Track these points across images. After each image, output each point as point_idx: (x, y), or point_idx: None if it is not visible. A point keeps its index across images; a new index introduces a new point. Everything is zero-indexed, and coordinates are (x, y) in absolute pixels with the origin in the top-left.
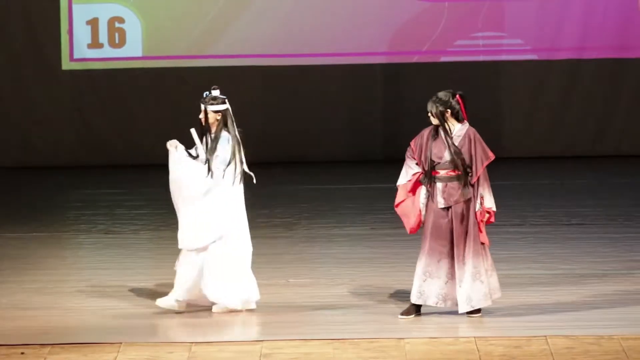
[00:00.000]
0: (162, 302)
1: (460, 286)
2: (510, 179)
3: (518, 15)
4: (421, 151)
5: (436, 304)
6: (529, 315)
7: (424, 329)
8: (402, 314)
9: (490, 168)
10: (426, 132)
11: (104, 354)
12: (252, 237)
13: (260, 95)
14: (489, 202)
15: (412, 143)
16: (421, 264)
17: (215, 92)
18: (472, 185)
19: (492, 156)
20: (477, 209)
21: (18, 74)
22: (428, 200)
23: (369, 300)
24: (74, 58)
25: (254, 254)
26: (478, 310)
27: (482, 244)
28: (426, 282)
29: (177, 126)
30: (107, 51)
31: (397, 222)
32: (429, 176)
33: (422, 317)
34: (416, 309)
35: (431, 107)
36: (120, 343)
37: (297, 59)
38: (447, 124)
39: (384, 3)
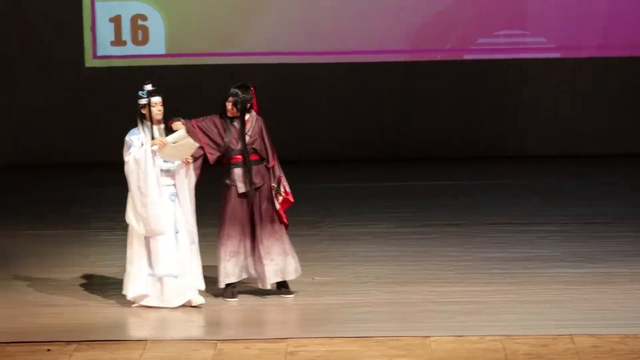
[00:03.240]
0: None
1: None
2: (534, 178)
3: (541, 13)
4: (213, 140)
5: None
6: (555, 314)
7: (449, 327)
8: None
9: (513, 167)
10: (217, 122)
11: (130, 351)
12: None
13: (282, 92)
14: (286, 187)
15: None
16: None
17: (149, 86)
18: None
19: None
20: None
21: (42, 71)
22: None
23: (394, 298)
24: (97, 55)
25: None
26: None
27: None
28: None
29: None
30: (130, 48)
31: (422, 220)
32: (229, 163)
33: (448, 315)
34: None
35: (234, 101)
36: (146, 340)
37: (319, 57)
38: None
39: (407, 1)
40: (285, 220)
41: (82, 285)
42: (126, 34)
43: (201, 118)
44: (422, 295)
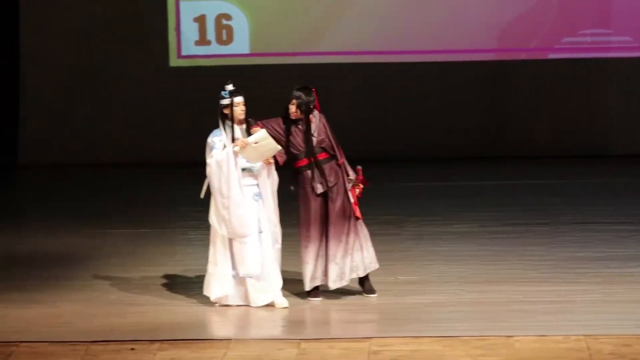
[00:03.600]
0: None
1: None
2: (618, 177)
3: (626, 12)
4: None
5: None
6: (639, 314)
7: (533, 326)
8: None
9: (598, 166)
10: (282, 125)
11: (213, 350)
12: None
13: (365, 92)
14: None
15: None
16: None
17: (231, 86)
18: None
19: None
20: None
21: (127, 71)
22: (306, 188)
23: (478, 297)
24: (182, 55)
25: None
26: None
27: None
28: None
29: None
30: (215, 48)
31: (506, 219)
32: (302, 165)
33: (531, 315)
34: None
35: (298, 104)
36: (230, 339)
37: (403, 56)
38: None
39: (492, 0)
40: (358, 214)
41: (166, 284)
42: (210, 34)
43: (266, 120)
44: (506, 294)
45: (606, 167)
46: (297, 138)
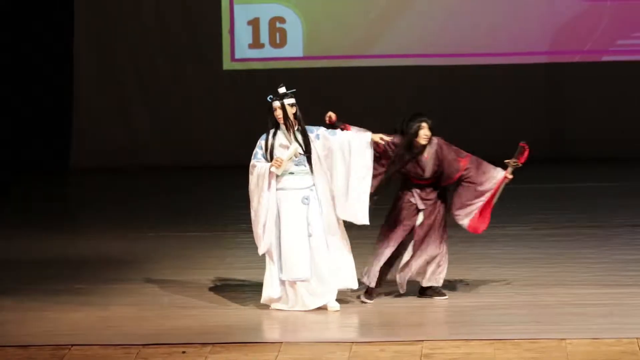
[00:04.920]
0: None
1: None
2: None
3: None
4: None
5: None
6: None
7: (585, 329)
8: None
9: None
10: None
11: (265, 353)
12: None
13: (418, 95)
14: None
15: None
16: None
17: (283, 89)
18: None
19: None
20: None
21: (180, 74)
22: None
23: (530, 300)
24: (235, 58)
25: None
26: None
27: None
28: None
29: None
30: (268, 51)
31: (559, 222)
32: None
33: (584, 317)
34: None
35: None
36: (281, 343)
37: (458, 59)
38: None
39: (546, 2)
40: (476, 227)
41: (217, 287)
42: (264, 37)
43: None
44: (558, 297)
45: None
46: (415, 163)
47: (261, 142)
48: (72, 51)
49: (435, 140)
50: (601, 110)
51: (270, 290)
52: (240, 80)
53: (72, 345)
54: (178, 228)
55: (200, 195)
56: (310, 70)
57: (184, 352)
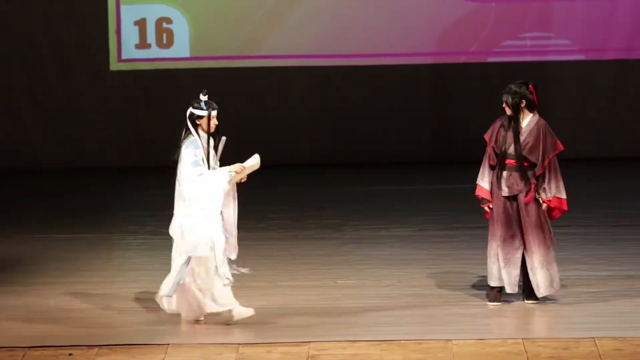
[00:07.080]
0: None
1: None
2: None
3: (566, 16)
4: (494, 141)
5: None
6: (577, 317)
7: (471, 330)
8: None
9: None
10: (498, 122)
11: (152, 355)
12: (300, 239)
13: (307, 96)
14: (550, 194)
15: (485, 136)
16: (496, 251)
17: (206, 97)
18: (538, 177)
19: (560, 147)
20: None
21: (66, 75)
22: (493, 187)
23: (416, 301)
24: (122, 59)
25: (304, 255)
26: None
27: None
28: (504, 268)
29: (225, 127)
30: (155, 52)
31: (445, 223)
32: (499, 164)
33: (470, 318)
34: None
35: (506, 99)
36: (168, 344)
37: (344, 60)
38: (521, 115)
39: (432, 4)
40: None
41: (104, 289)
42: (151, 37)
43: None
44: (444, 298)
45: None
46: (508, 137)
47: (196, 150)
48: None
49: (538, 119)
50: (485, 111)
51: (166, 286)
52: (127, 80)
53: None
54: (65, 230)
55: (87, 197)
56: (197, 71)
57: (70, 355)
